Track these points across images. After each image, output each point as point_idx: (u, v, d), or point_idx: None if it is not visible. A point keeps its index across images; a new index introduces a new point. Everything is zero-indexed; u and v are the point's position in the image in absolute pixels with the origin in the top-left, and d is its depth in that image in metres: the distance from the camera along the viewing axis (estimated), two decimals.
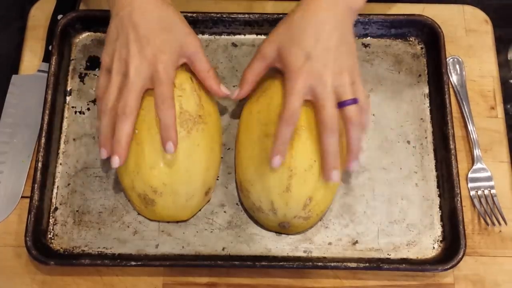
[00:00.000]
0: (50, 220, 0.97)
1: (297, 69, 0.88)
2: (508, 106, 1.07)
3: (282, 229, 0.94)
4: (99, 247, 0.95)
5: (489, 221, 0.99)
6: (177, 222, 0.96)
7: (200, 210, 0.97)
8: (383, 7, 1.11)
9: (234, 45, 1.08)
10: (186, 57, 0.93)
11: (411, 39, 1.08)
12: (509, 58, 1.11)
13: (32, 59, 1.08)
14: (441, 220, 0.98)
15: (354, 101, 0.89)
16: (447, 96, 1.01)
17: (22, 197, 0.99)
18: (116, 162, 0.89)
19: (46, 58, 1.07)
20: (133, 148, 0.91)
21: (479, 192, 1.00)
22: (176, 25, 0.92)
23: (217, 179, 0.99)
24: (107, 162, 0.99)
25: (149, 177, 0.91)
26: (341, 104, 0.89)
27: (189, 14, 1.05)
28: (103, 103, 0.90)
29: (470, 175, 1.01)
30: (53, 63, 1.02)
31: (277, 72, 0.94)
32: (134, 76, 0.88)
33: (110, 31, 0.91)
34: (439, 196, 0.99)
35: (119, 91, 0.90)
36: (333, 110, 0.88)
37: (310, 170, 0.91)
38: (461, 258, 0.93)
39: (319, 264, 0.94)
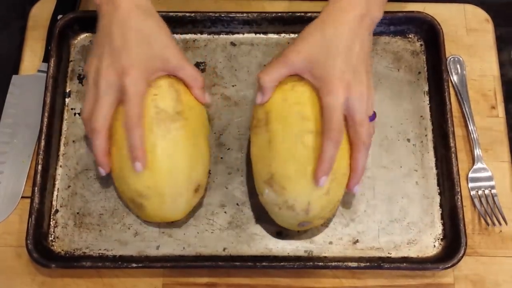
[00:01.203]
0: (51, 223, 0.97)
1: (337, 83, 0.86)
2: (510, 106, 1.07)
3: (299, 227, 0.93)
4: (100, 249, 0.96)
5: (489, 221, 0.98)
6: (173, 222, 0.96)
7: (194, 208, 0.96)
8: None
9: (233, 44, 1.07)
10: (168, 71, 0.92)
11: (410, 36, 1.08)
12: None
13: (32, 59, 1.08)
14: (442, 218, 0.98)
15: (374, 116, 0.90)
16: (446, 93, 1.01)
17: (22, 197, 1.00)
18: (101, 172, 0.92)
19: (46, 58, 1.06)
20: (114, 154, 0.91)
21: (480, 192, 1.00)
22: (156, 38, 0.90)
23: (216, 179, 0.99)
24: None
25: (132, 181, 0.90)
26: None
27: (187, 14, 1.05)
28: (82, 113, 0.91)
29: (470, 175, 1.01)
30: (52, 65, 1.02)
31: None
32: (104, 90, 0.87)
33: (93, 41, 0.91)
34: (440, 194, 0.99)
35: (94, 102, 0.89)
36: (369, 126, 0.88)
37: (346, 174, 0.91)
38: (461, 256, 0.93)
39: (320, 264, 0.94)
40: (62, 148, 1.01)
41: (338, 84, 0.86)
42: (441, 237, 0.97)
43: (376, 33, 1.08)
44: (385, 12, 1.04)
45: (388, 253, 0.96)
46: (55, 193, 0.99)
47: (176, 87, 0.93)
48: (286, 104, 0.91)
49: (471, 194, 1.00)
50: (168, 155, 0.90)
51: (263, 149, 0.92)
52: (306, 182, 0.88)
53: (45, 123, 0.99)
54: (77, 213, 0.98)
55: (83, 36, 1.08)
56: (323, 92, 0.87)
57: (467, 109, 1.04)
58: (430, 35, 1.06)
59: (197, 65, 1.05)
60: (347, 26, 0.87)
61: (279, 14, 1.05)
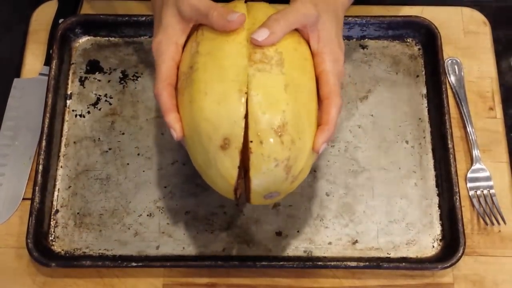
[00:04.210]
0: (51, 223, 0.98)
1: (339, 52, 0.84)
2: (507, 107, 1.07)
3: (266, 198, 0.82)
4: (100, 249, 0.96)
5: (488, 221, 0.99)
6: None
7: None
8: (382, 10, 1.11)
9: None
10: (195, 19, 0.83)
11: (408, 40, 1.09)
12: None
13: (34, 62, 1.09)
14: (440, 219, 0.98)
15: None
16: (444, 95, 1.02)
17: (23, 199, 1.00)
18: (174, 134, 0.82)
19: (48, 61, 1.07)
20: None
21: (478, 192, 1.00)
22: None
23: None
24: (106, 165, 1.00)
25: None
26: None
27: None
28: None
29: (469, 175, 1.01)
30: (53, 67, 1.03)
31: None
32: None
33: None
34: (438, 195, 1.00)
35: None
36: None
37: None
38: (460, 257, 0.93)
39: (319, 263, 0.94)
40: (63, 149, 1.02)
41: (340, 53, 0.84)
42: (440, 237, 0.97)
43: (375, 37, 1.09)
44: (384, 17, 1.07)
45: (387, 253, 0.96)
46: (56, 193, 0.99)
47: None
48: (297, 54, 0.82)
49: (470, 194, 1.00)
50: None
51: (276, 90, 0.78)
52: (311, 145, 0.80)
53: (46, 124, 1.00)
54: (77, 213, 0.98)
55: (84, 39, 1.09)
56: (327, 57, 0.83)
57: (465, 111, 1.04)
58: (428, 39, 1.07)
59: None
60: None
61: None
